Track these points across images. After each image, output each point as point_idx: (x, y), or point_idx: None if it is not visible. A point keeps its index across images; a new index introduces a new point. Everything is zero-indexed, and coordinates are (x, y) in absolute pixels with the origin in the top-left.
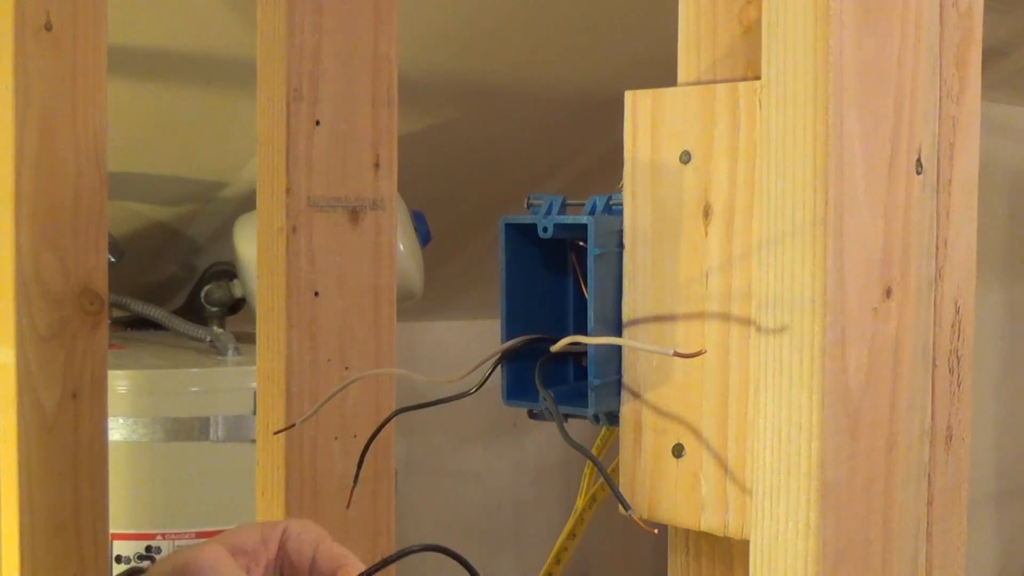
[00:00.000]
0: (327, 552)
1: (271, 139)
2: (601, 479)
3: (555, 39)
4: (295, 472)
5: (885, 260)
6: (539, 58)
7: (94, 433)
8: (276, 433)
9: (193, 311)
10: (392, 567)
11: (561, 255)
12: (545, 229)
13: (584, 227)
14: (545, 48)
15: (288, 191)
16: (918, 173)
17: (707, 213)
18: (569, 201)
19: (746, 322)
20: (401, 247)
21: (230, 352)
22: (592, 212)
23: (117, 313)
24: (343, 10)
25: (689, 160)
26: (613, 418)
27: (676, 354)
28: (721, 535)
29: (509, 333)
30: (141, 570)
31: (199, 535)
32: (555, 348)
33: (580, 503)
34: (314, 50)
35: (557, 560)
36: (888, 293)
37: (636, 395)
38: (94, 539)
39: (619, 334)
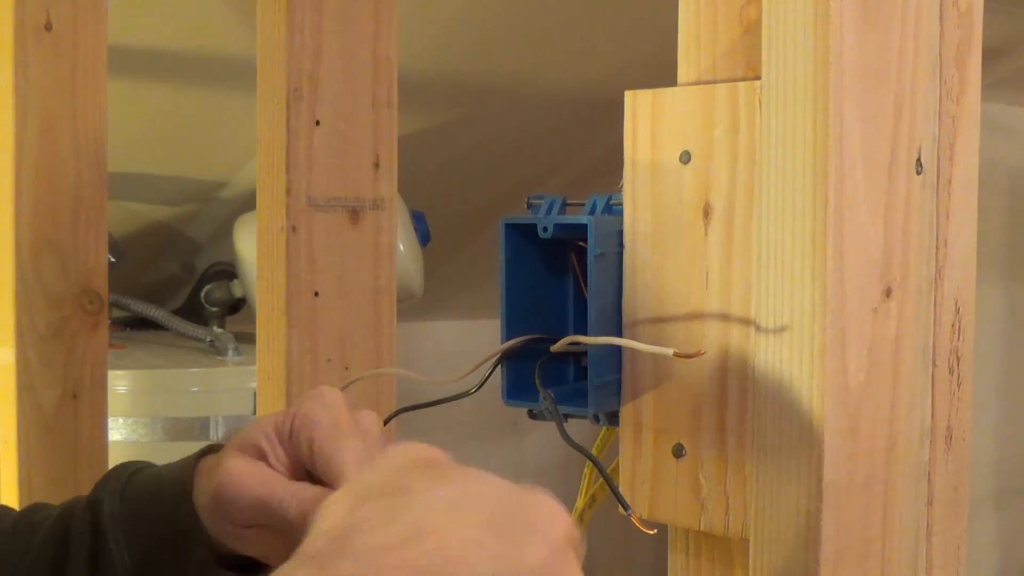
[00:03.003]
0: (319, 454)
1: (271, 139)
2: (601, 479)
3: (555, 40)
4: None
5: (885, 260)
6: (539, 59)
7: (94, 433)
8: None
9: (193, 311)
10: None
11: (561, 255)
12: (545, 229)
13: (584, 227)
14: (545, 49)
15: (288, 191)
16: (918, 173)
17: (707, 213)
18: (569, 201)
19: (746, 322)
20: (401, 247)
21: (230, 352)
22: (592, 212)
23: (117, 313)
24: (343, 10)
25: (689, 160)
26: (613, 418)
27: (676, 354)
28: (721, 535)
29: (509, 333)
30: (218, 447)
31: None
32: (555, 348)
33: (580, 503)
34: (314, 50)
35: None
36: (888, 293)
37: (636, 395)
38: None
39: (619, 334)
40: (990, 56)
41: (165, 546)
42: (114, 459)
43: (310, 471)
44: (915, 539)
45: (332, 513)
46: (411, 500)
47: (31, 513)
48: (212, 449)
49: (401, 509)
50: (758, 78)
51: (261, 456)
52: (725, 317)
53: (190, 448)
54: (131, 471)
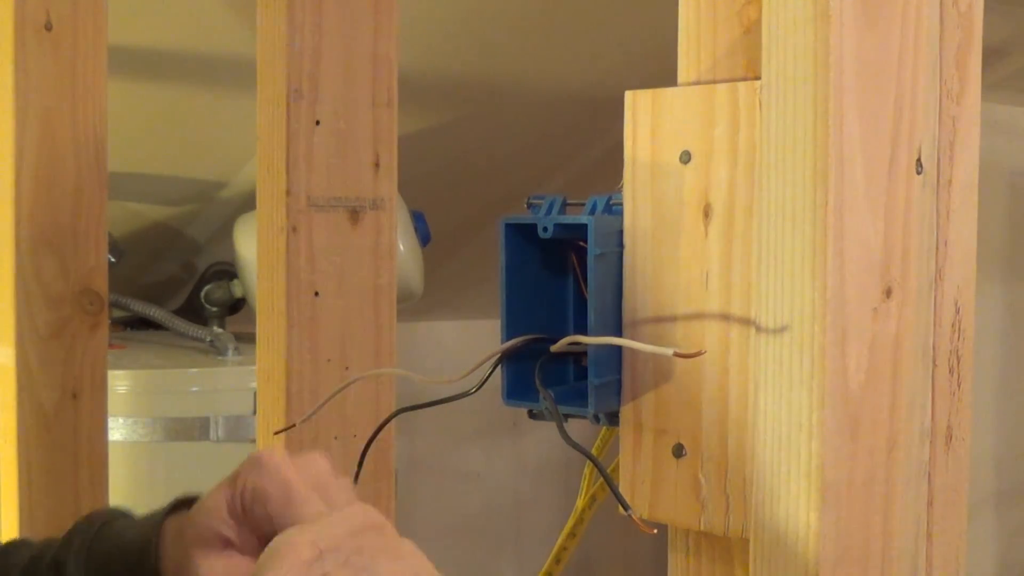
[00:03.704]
0: (282, 529)
1: (271, 139)
2: (601, 479)
3: (555, 39)
4: None
5: (885, 260)
6: (539, 58)
7: (94, 433)
8: (276, 433)
9: (193, 311)
10: None
11: (561, 255)
12: (545, 229)
13: (584, 227)
14: (545, 48)
15: (288, 191)
16: (918, 173)
17: (707, 213)
18: (569, 201)
19: (746, 322)
20: (401, 247)
21: (230, 352)
22: (592, 212)
23: (117, 313)
24: (343, 10)
25: (689, 160)
26: (613, 418)
27: (676, 354)
28: (721, 535)
29: (509, 333)
30: (187, 501)
31: None
32: (555, 348)
33: (580, 503)
34: (314, 50)
35: (557, 560)
36: (888, 293)
37: (636, 395)
38: None
39: (619, 334)
40: (990, 56)
41: None
42: (114, 459)
43: None
44: (915, 539)
45: (292, 560)
46: (368, 563)
47: (10, 554)
48: (179, 505)
49: (359, 568)
50: (758, 78)
51: (228, 545)
52: (725, 317)
53: (190, 448)
54: (98, 526)
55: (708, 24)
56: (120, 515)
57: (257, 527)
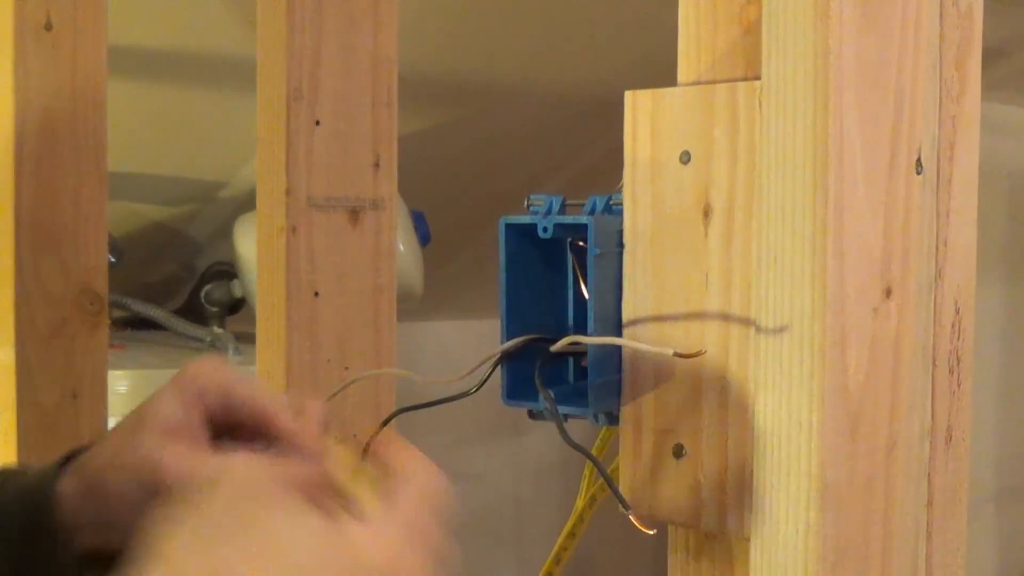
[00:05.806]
0: (257, 409)
1: (271, 139)
2: (601, 479)
3: (555, 39)
4: None
5: (885, 260)
6: (539, 58)
7: (94, 433)
8: None
9: (193, 311)
10: None
11: (561, 255)
12: (545, 229)
13: (584, 227)
14: (545, 48)
15: (288, 191)
16: (918, 173)
17: (707, 213)
18: (569, 201)
19: (746, 322)
20: (401, 247)
21: (230, 352)
22: (592, 212)
23: (117, 313)
24: (343, 10)
25: (689, 160)
26: (613, 418)
27: (676, 354)
28: (721, 535)
29: (509, 333)
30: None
31: None
32: (555, 348)
33: (580, 503)
34: (314, 50)
35: (557, 560)
36: (888, 293)
37: (636, 395)
38: None
39: (619, 334)
40: (990, 56)
41: (30, 558)
42: None
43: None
44: (915, 539)
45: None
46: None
47: None
48: (74, 455)
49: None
50: (758, 78)
51: (183, 437)
52: (725, 317)
53: None
54: None
55: (708, 24)
56: (15, 472)
57: (221, 411)
